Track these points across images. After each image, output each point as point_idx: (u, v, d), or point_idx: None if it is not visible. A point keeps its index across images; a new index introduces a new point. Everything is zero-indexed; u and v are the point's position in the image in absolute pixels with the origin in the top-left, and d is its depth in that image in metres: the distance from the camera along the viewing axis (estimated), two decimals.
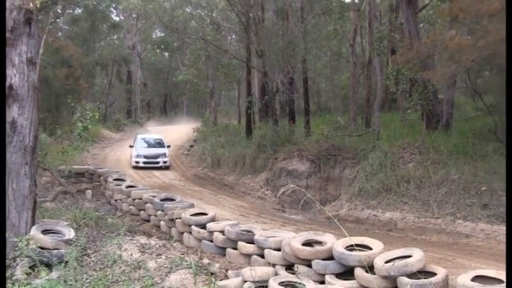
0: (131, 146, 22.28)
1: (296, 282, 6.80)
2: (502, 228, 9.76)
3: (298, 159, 15.69)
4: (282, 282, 6.81)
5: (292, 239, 7.82)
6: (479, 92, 14.78)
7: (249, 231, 9.05)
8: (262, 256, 8.31)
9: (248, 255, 8.65)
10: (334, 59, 29.46)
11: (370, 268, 6.54)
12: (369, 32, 20.58)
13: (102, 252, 9.04)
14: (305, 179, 15.18)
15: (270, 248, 8.16)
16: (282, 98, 23.11)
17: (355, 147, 15.12)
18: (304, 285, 6.66)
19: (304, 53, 20.04)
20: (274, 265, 7.88)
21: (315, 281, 7.00)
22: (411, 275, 6.07)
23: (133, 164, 20.99)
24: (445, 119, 15.45)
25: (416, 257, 6.32)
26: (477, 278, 5.74)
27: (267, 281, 6.97)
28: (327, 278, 6.96)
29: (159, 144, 22.53)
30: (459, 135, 14.27)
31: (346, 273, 6.90)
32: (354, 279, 6.66)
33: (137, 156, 21.21)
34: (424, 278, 5.93)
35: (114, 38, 41.85)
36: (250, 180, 17.00)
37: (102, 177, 17.01)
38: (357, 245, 7.10)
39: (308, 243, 7.70)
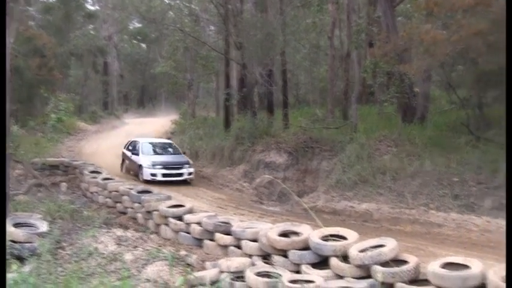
0: (135, 154, 16.64)
1: (272, 272, 6.87)
2: (472, 217, 10.06)
3: (276, 152, 15.75)
4: (259, 273, 6.88)
5: (269, 230, 7.92)
6: (453, 85, 15.04)
7: (226, 223, 9.11)
8: (240, 247, 8.39)
9: (225, 247, 8.73)
10: (312, 52, 29.54)
11: (345, 257, 6.67)
12: (347, 25, 20.72)
13: (78, 245, 8.98)
14: (283, 171, 15.24)
15: (247, 239, 8.25)
16: (261, 90, 23.09)
17: (332, 140, 15.25)
18: (280, 275, 6.73)
19: (283, 46, 20.03)
20: (251, 256, 7.97)
21: (291, 271, 7.12)
22: (385, 264, 6.21)
23: (148, 177, 15.30)
24: (421, 112, 15.68)
25: (390, 246, 6.47)
26: (447, 265, 5.91)
27: (243, 271, 7.03)
28: (303, 267, 7.07)
29: (173, 149, 17.47)
30: (434, 128, 14.52)
31: (322, 262, 7.01)
32: (330, 268, 6.78)
33: (153, 166, 15.53)
34: (397, 267, 6.07)
35: (90, 28, 41.14)
36: (228, 172, 16.98)
37: (77, 170, 16.79)
38: (332, 236, 7.24)
39: (285, 234, 7.80)
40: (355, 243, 6.83)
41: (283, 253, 7.47)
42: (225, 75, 22.91)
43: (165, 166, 15.62)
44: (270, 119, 19.59)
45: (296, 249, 7.28)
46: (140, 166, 15.89)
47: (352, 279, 6.25)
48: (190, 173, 15.87)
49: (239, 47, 20.01)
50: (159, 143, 18.29)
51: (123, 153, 17.90)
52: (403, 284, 5.87)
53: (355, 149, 13.72)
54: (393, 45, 14.03)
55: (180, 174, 15.64)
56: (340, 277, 6.51)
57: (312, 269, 6.96)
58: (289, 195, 13.59)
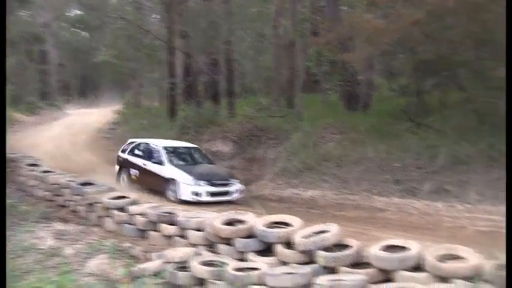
0: (156, 163, 12.61)
1: (217, 261, 6.82)
2: (412, 201, 10.48)
3: (222, 141, 15.71)
4: (204, 262, 6.81)
5: (214, 219, 7.85)
6: (394, 73, 15.55)
7: (170, 213, 8.97)
8: (185, 237, 8.27)
9: (170, 237, 8.59)
10: (258, 41, 29.57)
11: (289, 244, 6.73)
12: (292, 14, 20.82)
13: (13, 241, 8.54)
14: (229, 160, 15.22)
15: (192, 229, 8.15)
16: (206, 79, 22.90)
17: (278, 128, 15.39)
18: (226, 264, 6.70)
19: (228, 34, 19.91)
20: (196, 245, 7.88)
21: (236, 259, 7.08)
22: (328, 249, 6.32)
23: (187, 197, 11.60)
24: (364, 100, 16.10)
25: (333, 231, 6.58)
26: (388, 248, 6.10)
27: (188, 261, 6.95)
28: (249, 255, 7.07)
29: (204, 157, 13.53)
30: (376, 115, 14.95)
31: (267, 250, 7.05)
32: (275, 255, 6.82)
33: (195, 182, 11.68)
34: (339, 251, 6.21)
35: (25, 14, 39.10)
36: None
37: (14, 163, 15.96)
38: (277, 223, 7.29)
39: (230, 223, 7.76)
40: (299, 230, 6.90)
41: (229, 242, 7.43)
42: (169, 64, 22.49)
43: (212, 182, 11.82)
44: (216, 108, 19.48)
45: (241, 238, 7.25)
46: (171, 181, 11.98)
47: (296, 265, 6.32)
48: (239, 191, 12.10)
49: (184, 35, 19.71)
50: (182, 147, 13.73)
51: (123, 160, 13.76)
52: (345, 268, 6.00)
53: (300, 137, 13.92)
54: (336, 34, 14.26)
55: (228, 193, 11.85)
56: (285, 263, 6.56)
57: (258, 256, 6.97)
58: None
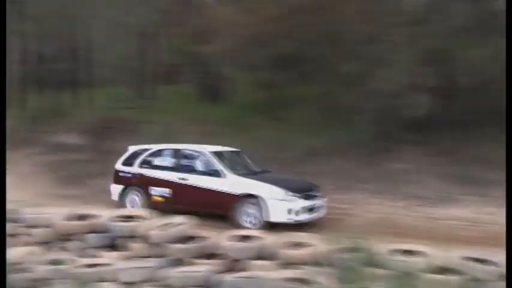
0: (208, 174, 9.10)
1: (62, 259, 6.44)
2: None
3: (75, 133, 14.83)
4: (47, 261, 6.38)
5: (61, 215, 7.46)
6: (253, 67, 15.90)
7: (13, 210, 8.16)
8: (29, 235, 7.62)
9: (12, 236, 7.82)
10: (117, 29, 28.34)
11: (142, 237, 6.57)
12: (152, 4, 20.27)
13: None
14: (82, 152, 14.33)
15: (37, 226, 7.64)
16: (60, 67, 21.32)
17: (133, 120, 14.99)
18: (71, 261, 6.34)
19: (84, 21, 18.79)
20: (42, 243, 7.34)
21: (84, 256, 6.76)
22: (179, 241, 6.32)
23: (280, 217, 8.33)
24: (222, 93, 16.32)
25: (184, 224, 6.68)
26: (241, 238, 6.34)
27: (32, 261, 6.43)
28: (98, 251, 6.87)
29: (254, 162, 10.42)
30: (234, 108, 15.25)
31: (118, 244, 6.85)
32: (126, 249, 6.65)
33: (287, 197, 8.47)
34: (192, 243, 6.25)
35: None
36: (19, 155, 15.23)
37: None
38: (128, 216, 7.09)
39: (79, 218, 7.39)
40: (152, 223, 6.80)
41: (77, 237, 7.08)
42: (16, 50, 20.44)
43: (305, 194, 8.85)
44: (70, 99, 18.32)
45: (90, 233, 7.00)
46: (244, 198, 8.65)
47: (147, 259, 6.21)
48: (324, 206, 9.31)
49: (34, 20, 18.16)
50: (227, 151, 10.19)
51: (134, 176, 9.93)
52: (198, 259, 6.06)
53: (157, 128, 13.68)
54: (196, 25, 14.23)
55: (314, 208, 8.93)
56: (136, 257, 6.41)
57: (108, 251, 6.74)
58: (88, 178, 12.92)
